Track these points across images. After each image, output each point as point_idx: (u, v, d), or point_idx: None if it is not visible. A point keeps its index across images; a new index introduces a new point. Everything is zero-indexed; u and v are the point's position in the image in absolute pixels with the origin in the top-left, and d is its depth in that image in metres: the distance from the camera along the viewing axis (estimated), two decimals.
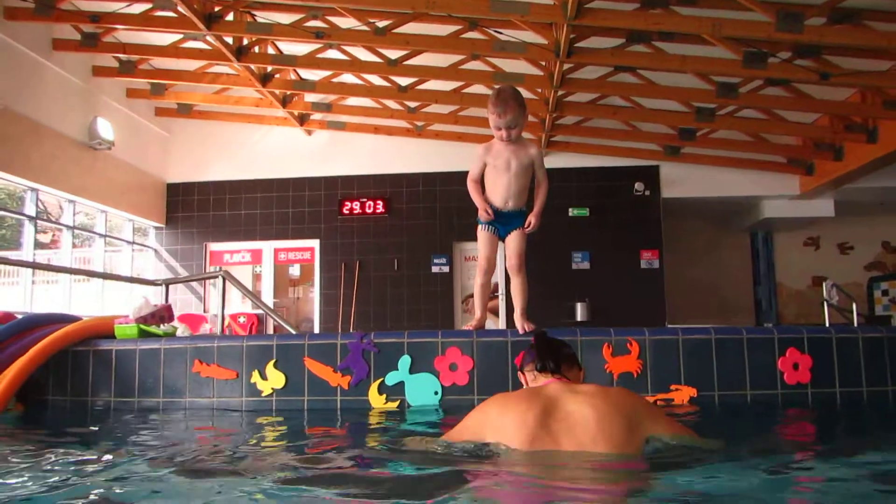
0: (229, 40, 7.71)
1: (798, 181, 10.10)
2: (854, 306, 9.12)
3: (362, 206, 10.78)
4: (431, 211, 10.68)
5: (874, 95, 7.52)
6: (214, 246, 10.91)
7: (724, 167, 10.05)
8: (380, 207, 10.76)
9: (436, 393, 3.20)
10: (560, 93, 7.99)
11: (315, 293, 10.85)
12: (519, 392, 2.05)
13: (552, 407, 1.91)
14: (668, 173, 10.34)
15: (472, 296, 11.22)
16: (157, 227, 10.71)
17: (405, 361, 3.24)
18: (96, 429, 3.04)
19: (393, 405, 3.20)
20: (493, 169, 3.36)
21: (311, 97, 9.83)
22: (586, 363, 3.02)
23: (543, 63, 7.63)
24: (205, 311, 10.40)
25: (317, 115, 10.39)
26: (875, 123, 7.88)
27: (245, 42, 7.97)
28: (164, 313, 3.64)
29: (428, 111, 9.69)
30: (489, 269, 3.43)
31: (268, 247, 10.97)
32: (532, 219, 3.38)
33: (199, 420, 3.15)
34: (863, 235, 11.98)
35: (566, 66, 7.30)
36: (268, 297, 10.97)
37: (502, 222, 3.41)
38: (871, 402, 3.13)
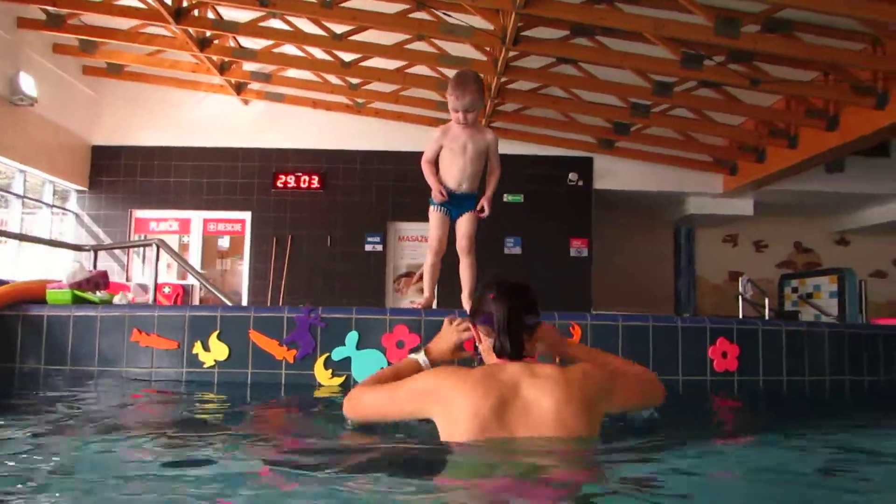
0: (168, 1, 7.42)
1: (722, 180, 10.57)
2: (766, 301, 9.66)
3: (297, 180, 10.62)
4: (367, 189, 10.63)
5: (798, 103, 7.94)
6: (140, 213, 10.53)
7: (653, 163, 10.40)
8: (315, 183, 10.63)
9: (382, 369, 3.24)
10: (503, 80, 8.07)
11: (244, 266, 10.65)
12: (475, 373, 1.90)
13: (511, 395, 1.81)
14: (600, 165, 10.62)
15: (404, 275, 11.37)
16: (79, 191, 10.24)
17: (352, 337, 3.26)
18: (25, 396, 2.94)
19: (339, 380, 3.22)
20: (449, 151, 3.41)
21: (249, 66, 9.58)
22: None
23: (488, 49, 7.70)
24: (127, 280, 10.07)
25: (255, 85, 10.14)
26: (797, 130, 8.32)
27: (185, 4, 7.69)
28: (99, 279, 3.54)
29: (369, 88, 9.61)
30: (440, 250, 3.49)
31: (197, 217, 10.67)
32: (485, 203, 3.45)
33: (134, 389, 3.09)
34: (777, 235, 12.66)
35: (511, 54, 7.38)
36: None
37: (455, 204, 3.46)
38: (790, 391, 3.37)
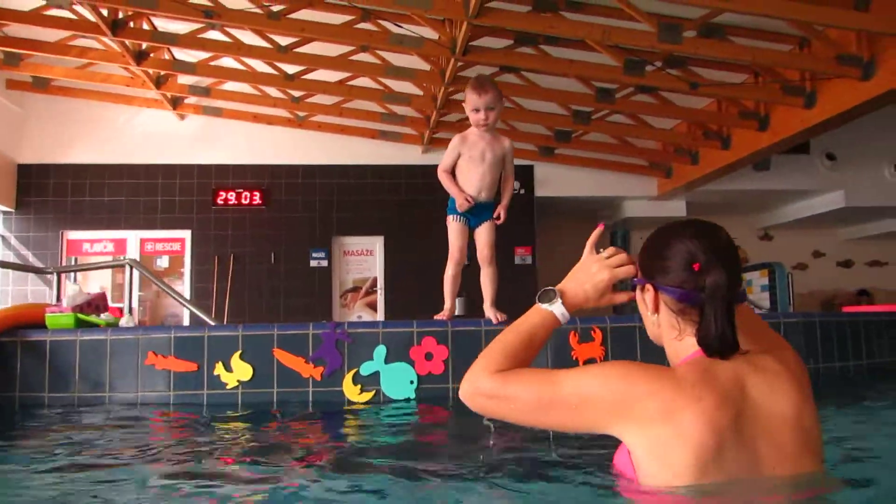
0: (105, 13, 7.17)
1: (656, 183, 10.98)
2: None
3: (238, 196, 10.40)
4: (311, 204, 10.51)
5: (729, 106, 8.36)
6: (73, 234, 10.07)
7: (592, 168, 10.71)
8: (257, 199, 10.43)
9: (411, 382, 3.24)
10: (450, 90, 8.17)
11: (185, 286, 10.31)
12: (688, 373, 1.29)
13: (741, 400, 1.28)
14: (541, 173, 10.85)
15: (351, 290, 11.26)
16: (5, 212, 9.71)
17: (380, 351, 3.25)
18: (30, 427, 2.76)
19: (368, 395, 3.20)
20: (467, 160, 3.43)
21: (185, 79, 9.33)
22: (554, 351, 3.22)
23: (434, 59, 7.77)
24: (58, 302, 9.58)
25: (192, 99, 9.89)
26: (729, 131, 8.75)
27: (121, 16, 7.44)
28: (99, 302, 3.39)
29: (312, 101, 9.53)
30: (461, 260, 3.51)
31: (133, 236, 10.28)
32: (501, 211, 3.49)
33: (154, 415, 2.96)
34: None
35: (458, 64, 7.48)
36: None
37: (474, 213, 3.49)
38: None
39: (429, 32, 7.07)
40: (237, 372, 3.18)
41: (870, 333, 4.07)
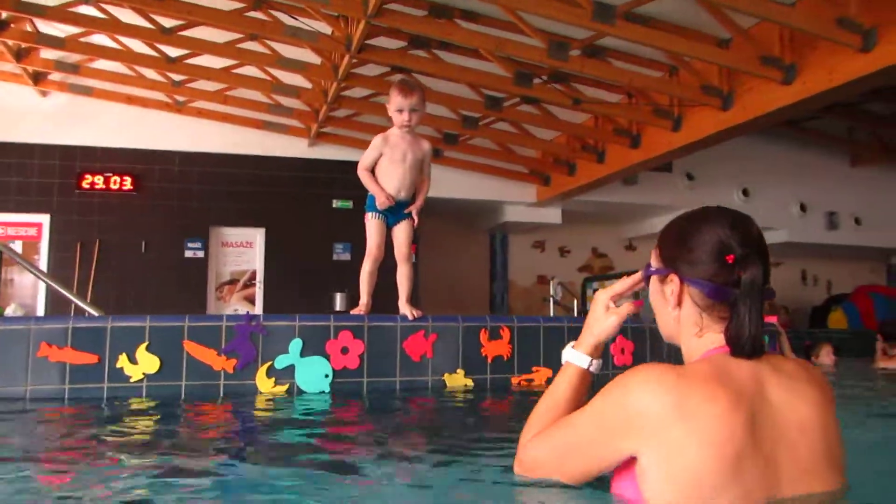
0: None
1: (535, 190, 11.45)
2: (576, 302, 10.62)
3: (106, 181, 9.79)
4: (187, 192, 10.08)
5: (605, 123, 8.88)
6: None
7: (475, 172, 10.99)
8: (127, 184, 9.87)
9: (326, 376, 3.23)
10: (342, 85, 8.13)
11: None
12: (704, 370, 1.19)
13: (759, 401, 1.17)
14: None
15: (227, 283, 10.89)
16: None
17: (296, 344, 3.21)
18: None
19: (282, 388, 3.16)
20: (389, 160, 3.50)
21: (50, 54, 8.66)
22: (466, 348, 3.35)
23: (327, 54, 7.70)
24: None
25: (57, 76, 9.20)
26: (604, 146, 9.30)
27: None
28: None
29: (193, 86, 9.15)
30: (379, 256, 3.57)
31: None
32: (414, 213, 3.58)
33: (45, 410, 2.77)
34: (578, 241, 13.94)
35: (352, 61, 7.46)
36: None
37: (393, 211, 3.56)
38: None
39: (324, 27, 7.01)
40: (143, 364, 3.06)
41: None
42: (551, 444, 1.31)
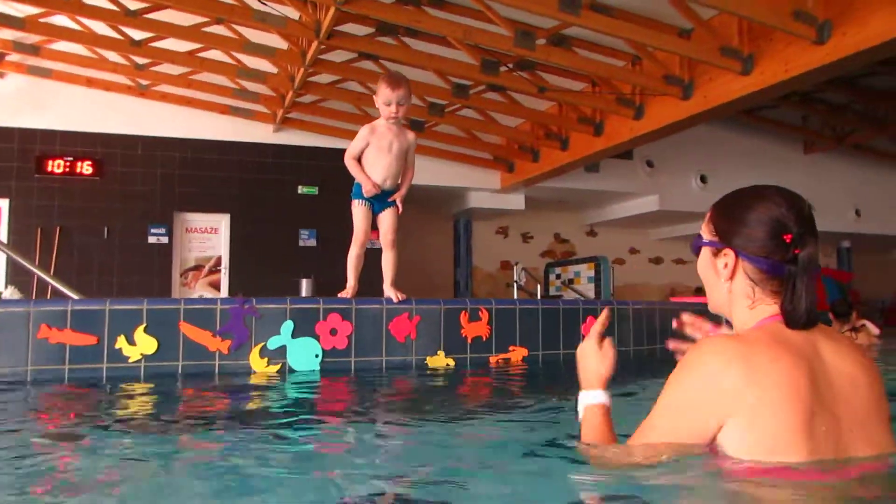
0: None
1: (499, 177, 11.63)
2: (539, 287, 10.84)
3: (68, 165, 9.65)
4: (151, 177, 9.99)
5: (569, 110, 9.08)
6: None
7: (440, 158, 11.11)
8: (88, 169, 9.74)
9: (316, 356, 3.36)
10: (309, 71, 8.15)
11: None
12: (761, 336, 1.26)
13: (815, 359, 1.25)
14: None
15: (192, 268, 10.84)
16: None
17: (288, 326, 3.34)
18: None
19: (275, 368, 3.29)
20: (375, 149, 3.63)
21: (7, 34, 8.47)
22: (448, 330, 3.51)
23: (295, 39, 7.72)
24: None
25: (15, 57, 9.00)
26: (568, 134, 9.50)
27: None
28: None
29: (157, 70, 9.05)
30: (365, 241, 3.72)
31: None
32: (398, 201, 3.72)
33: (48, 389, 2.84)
34: (541, 227, 14.20)
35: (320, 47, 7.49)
36: None
37: (378, 199, 3.70)
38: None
39: (292, 13, 7.03)
40: (141, 345, 3.15)
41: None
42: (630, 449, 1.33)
